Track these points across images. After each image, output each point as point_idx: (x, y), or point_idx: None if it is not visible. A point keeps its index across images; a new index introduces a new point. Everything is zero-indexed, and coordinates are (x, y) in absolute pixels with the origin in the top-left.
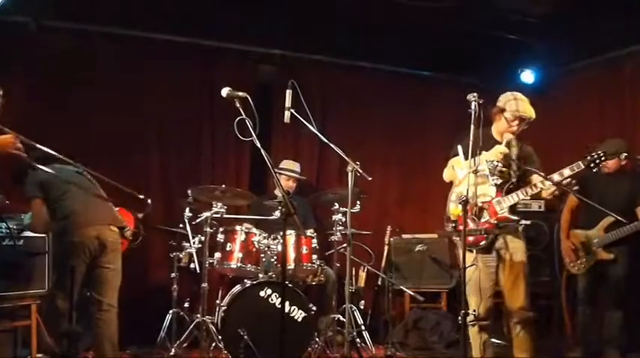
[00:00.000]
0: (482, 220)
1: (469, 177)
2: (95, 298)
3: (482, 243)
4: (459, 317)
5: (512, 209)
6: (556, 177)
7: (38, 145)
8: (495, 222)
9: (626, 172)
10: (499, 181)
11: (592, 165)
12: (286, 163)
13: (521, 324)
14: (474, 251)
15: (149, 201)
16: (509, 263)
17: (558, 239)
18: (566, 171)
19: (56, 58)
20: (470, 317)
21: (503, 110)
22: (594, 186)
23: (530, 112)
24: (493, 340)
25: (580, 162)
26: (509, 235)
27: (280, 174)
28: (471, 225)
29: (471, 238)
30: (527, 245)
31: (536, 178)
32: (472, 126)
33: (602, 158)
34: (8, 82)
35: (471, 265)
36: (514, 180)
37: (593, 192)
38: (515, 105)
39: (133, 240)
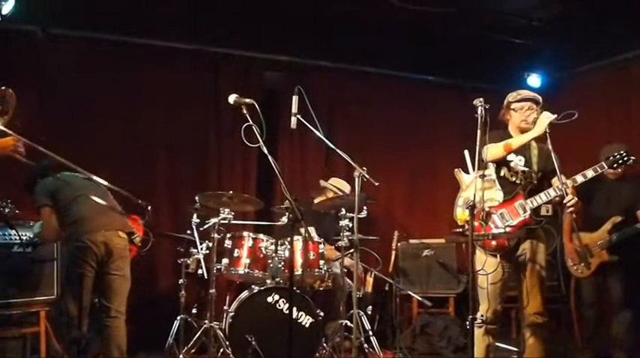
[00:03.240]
0: (508, 223)
1: (476, 181)
2: (103, 305)
3: (504, 247)
4: (467, 322)
5: (536, 212)
6: (579, 178)
7: (42, 148)
8: (526, 228)
9: (627, 177)
10: (521, 183)
11: (615, 165)
12: (337, 182)
13: (534, 328)
14: (498, 256)
15: (149, 207)
16: (530, 266)
17: (562, 242)
18: (590, 173)
19: (64, 66)
20: (479, 320)
21: (508, 104)
22: (598, 190)
23: (532, 93)
24: (499, 345)
25: (603, 163)
26: (533, 239)
27: (334, 192)
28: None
29: (494, 243)
30: None
31: (557, 180)
32: (479, 131)
33: (625, 158)
34: (17, 89)
35: (494, 270)
36: (535, 182)
37: (597, 196)
38: (515, 93)
39: (142, 246)
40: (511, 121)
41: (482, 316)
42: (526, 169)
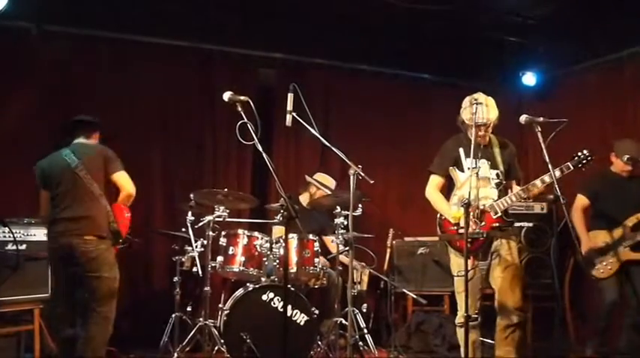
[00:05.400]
0: (481, 224)
1: (471, 179)
2: (86, 305)
3: (480, 248)
4: (461, 320)
5: (506, 212)
6: (547, 178)
7: None
8: (497, 225)
9: (637, 175)
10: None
11: (580, 165)
12: (324, 178)
13: (514, 325)
14: (472, 257)
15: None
16: (504, 264)
17: (558, 240)
18: (556, 173)
19: (58, 63)
20: (460, 319)
21: (463, 122)
22: (611, 188)
23: (486, 115)
24: (486, 340)
25: (569, 163)
26: (504, 238)
27: (318, 188)
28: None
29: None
30: (530, 247)
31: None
32: (473, 129)
33: (589, 158)
34: (11, 86)
35: (473, 268)
36: (504, 181)
37: (610, 194)
38: (470, 115)
39: (117, 241)
40: (468, 131)
41: (476, 314)
42: (493, 171)
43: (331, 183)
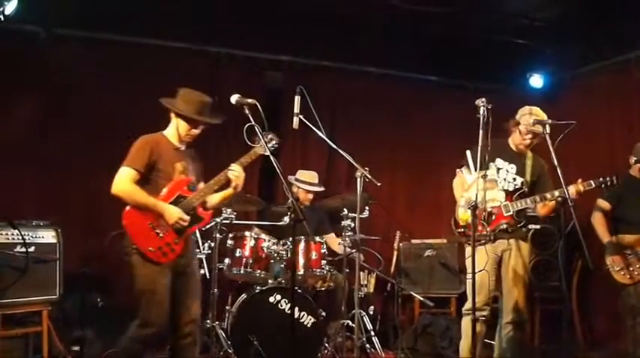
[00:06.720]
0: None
1: (478, 181)
2: None
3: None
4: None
5: (519, 213)
6: (570, 189)
7: None
8: (505, 225)
9: None
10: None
11: (602, 186)
12: (303, 174)
13: (513, 325)
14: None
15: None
16: (513, 265)
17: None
18: (572, 189)
19: (67, 66)
20: (466, 307)
21: (518, 123)
22: (630, 192)
23: (544, 123)
24: (488, 341)
25: (592, 181)
26: (516, 238)
27: (299, 186)
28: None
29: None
30: (537, 249)
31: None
32: (480, 131)
33: (613, 183)
34: (19, 89)
35: (481, 270)
36: (526, 189)
37: (631, 198)
38: (531, 118)
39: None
40: (513, 135)
41: (484, 307)
42: (516, 177)
43: (313, 176)
